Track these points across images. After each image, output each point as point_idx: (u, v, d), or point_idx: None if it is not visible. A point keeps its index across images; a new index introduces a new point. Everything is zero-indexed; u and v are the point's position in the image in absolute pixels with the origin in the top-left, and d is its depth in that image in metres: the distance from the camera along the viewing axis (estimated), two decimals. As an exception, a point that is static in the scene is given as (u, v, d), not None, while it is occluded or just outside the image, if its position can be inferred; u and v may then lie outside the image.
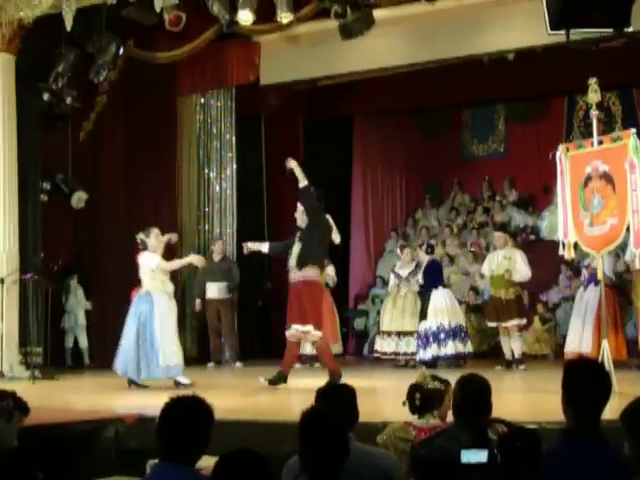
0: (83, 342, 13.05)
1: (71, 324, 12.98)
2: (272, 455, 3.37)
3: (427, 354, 11.93)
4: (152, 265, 10.03)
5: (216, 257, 13.40)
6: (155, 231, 10.21)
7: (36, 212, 12.05)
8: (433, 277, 12.28)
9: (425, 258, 12.42)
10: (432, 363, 11.75)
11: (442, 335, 11.91)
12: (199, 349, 13.98)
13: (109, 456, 6.90)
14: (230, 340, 13.41)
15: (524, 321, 11.89)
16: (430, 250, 12.59)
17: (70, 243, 13.18)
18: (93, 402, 8.96)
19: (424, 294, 12.21)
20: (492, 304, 11.93)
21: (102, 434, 7.03)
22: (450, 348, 11.91)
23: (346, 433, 3.66)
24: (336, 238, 10.33)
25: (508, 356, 11.78)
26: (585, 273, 11.13)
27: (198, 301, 13.34)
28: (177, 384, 9.87)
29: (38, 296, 11.60)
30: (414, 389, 5.02)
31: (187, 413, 3.60)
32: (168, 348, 9.94)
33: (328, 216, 9.90)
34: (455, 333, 11.97)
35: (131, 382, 10.03)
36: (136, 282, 10.40)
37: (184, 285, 13.91)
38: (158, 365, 9.88)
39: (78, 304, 13.01)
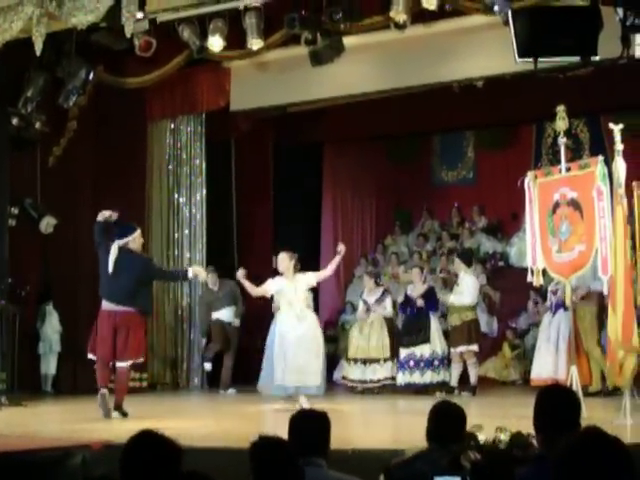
0: (52, 368, 12.93)
1: (46, 350, 12.85)
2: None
3: (425, 379, 11.98)
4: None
5: (214, 287, 13.31)
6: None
7: (4, 237, 11.95)
8: (433, 302, 12.39)
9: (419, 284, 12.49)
10: (423, 389, 11.91)
11: (436, 362, 12.02)
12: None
13: (76, 484, 6.82)
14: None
15: (473, 347, 11.90)
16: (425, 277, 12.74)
17: (39, 269, 13.06)
18: (60, 429, 8.85)
19: (422, 317, 12.24)
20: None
21: (69, 461, 6.91)
22: (442, 375, 12.01)
23: (296, 463, 3.55)
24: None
25: (453, 383, 11.92)
26: (552, 298, 11.18)
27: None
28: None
29: (3, 322, 11.48)
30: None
31: (148, 455, 3.44)
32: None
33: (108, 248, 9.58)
34: (443, 360, 12.06)
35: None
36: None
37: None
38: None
39: (53, 330, 12.89)
